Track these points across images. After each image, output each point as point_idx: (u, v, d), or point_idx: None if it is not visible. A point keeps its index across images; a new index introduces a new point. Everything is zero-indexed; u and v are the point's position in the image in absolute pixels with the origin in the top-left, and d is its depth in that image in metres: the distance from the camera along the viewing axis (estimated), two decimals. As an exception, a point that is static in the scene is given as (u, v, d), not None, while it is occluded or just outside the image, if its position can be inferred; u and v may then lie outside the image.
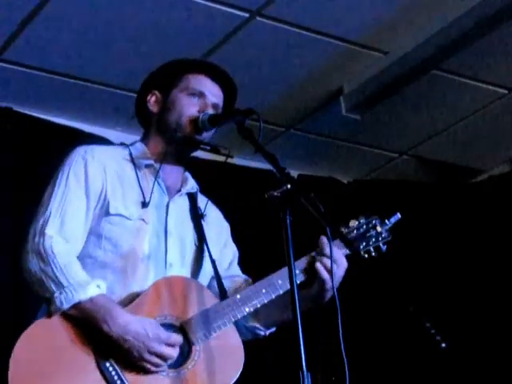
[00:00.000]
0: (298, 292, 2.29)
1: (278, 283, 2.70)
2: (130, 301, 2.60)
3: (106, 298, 2.54)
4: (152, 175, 2.80)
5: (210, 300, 2.69)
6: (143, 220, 2.72)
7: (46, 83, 4.56)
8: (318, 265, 2.71)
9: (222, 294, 2.75)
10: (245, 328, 2.81)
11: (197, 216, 2.88)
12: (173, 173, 2.87)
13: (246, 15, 4.18)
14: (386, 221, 2.92)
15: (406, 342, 4.75)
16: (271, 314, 2.78)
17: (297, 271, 2.65)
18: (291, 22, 4.25)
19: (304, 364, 2.16)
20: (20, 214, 4.28)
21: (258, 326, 2.83)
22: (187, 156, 2.92)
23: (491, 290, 5.36)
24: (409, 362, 5.10)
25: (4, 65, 4.42)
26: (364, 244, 2.85)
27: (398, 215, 2.95)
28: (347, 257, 2.79)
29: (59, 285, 2.51)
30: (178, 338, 2.56)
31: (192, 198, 2.91)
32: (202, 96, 2.86)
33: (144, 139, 2.93)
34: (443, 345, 2.21)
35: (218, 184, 4.53)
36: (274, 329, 2.88)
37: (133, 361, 2.50)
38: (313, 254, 2.77)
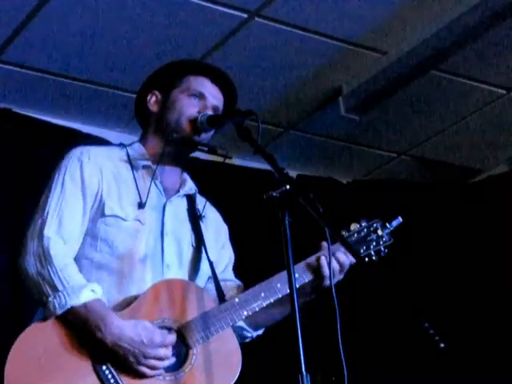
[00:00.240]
0: (297, 294, 2.27)
1: (277, 287, 2.70)
2: (127, 303, 2.60)
3: (101, 304, 2.53)
4: (149, 176, 2.80)
5: (209, 303, 2.68)
6: (139, 221, 2.72)
7: (45, 84, 4.56)
8: (323, 259, 2.73)
9: (220, 296, 2.74)
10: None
11: (195, 217, 2.87)
12: (171, 174, 2.87)
13: (245, 16, 4.18)
14: (388, 224, 2.93)
15: (405, 342, 4.75)
16: (260, 315, 2.75)
17: (296, 275, 2.66)
18: (290, 23, 4.25)
19: (303, 365, 2.15)
20: (20, 214, 4.29)
21: (245, 326, 2.82)
22: (185, 157, 2.92)
23: (491, 290, 5.36)
24: (408, 362, 5.11)
25: (3, 66, 4.42)
26: (364, 247, 2.86)
27: (400, 219, 2.94)
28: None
29: (54, 289, 2.51)
30: (171, 338, 2.54)
31: (190, 199, 2.90)
32: (202, 97, 2.87)
33: (142, 140, 2.93)
34: (442, 345, 2.20)
35: (217, 184, 4.54)
36: (261, 331, 2.89)
37: (129, 365, 2.49)
38: (319, 254, 2.78)
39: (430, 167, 5.85)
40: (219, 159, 2.84)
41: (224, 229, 3.02)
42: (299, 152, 5.50)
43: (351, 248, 2.75)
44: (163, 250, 2.73)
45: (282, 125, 5.23)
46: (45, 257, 2.55)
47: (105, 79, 4.62)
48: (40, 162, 4.32)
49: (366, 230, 2.89)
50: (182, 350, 2.58)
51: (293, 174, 5.42)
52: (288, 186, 2.36)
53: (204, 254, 2.81)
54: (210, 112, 2.83)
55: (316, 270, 2.76)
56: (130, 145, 2.90)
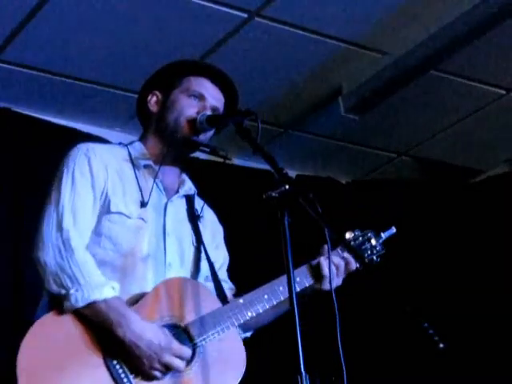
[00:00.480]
0: (297, 295, 2.28)
1: (280, 290, 2.73)
2: (134, 301, 2.60)
3: (121, 301, 2.54)
4: (150, 176, 2.81)
5: (214, 303, 2.70)
6: (142, 219, 2.73)
7: (44, 83, 4.56)
8: (322, 259, 2.78)
9: (221, 296, 2.77)
10: None
11: (194, 217, 2.88)
12: (170, 174, 2.88)
13: (245, 16, 4.18)
14: (382, 234, 2.98)
15: (404, 342, 4.75)
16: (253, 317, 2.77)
17: (298, 278, 2.71)
18: (290, 23, 4.25)
19: (302, 366, 2.16)
20: (20, 214, 4.30)
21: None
22: (185, 157, 2.93)
23: (491, 290, 5.36)
24: (407, 362, 5.11)
25: (3, 65, 4.42)
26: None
27: (393, 229, 3.00)
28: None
29: (75, 282, 2.51)
30: (187, 352, 2.56)
31: (189, 199, 2.91)
32: (202, 98, 2.87)
33: (142, 139, 2.93)
34: (441, 345, 2.20)
35: (217, 184, 4.55)
36: (250, 333, 2.90)
37: (140, 366, 2.50)
38: (320, 258, 2.82)
39: (429, 167, 5.85)
40: (219, 159, 2.85)
41: (220, 230, 3.03)
42: (299, 152, 5.50)
43: (352, 249, 2.78)
44: (165, 248, 2.74)
45: (281, 125, 5.24)
46: (66, 249, 2.55)
47: (105, 78, 4.62)
48: (40, 161, 4.32)
49: (360, 238, 2.94)
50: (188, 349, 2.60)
51: (292, 174, 5.42)
52: (287, 186, 2.37)
53: (203, 254, 2.83)
54: (209, 113, 2.83)
55: (316, 273, 2.80)
56: (130, 144, 2.90)
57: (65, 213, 2.61)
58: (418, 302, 2.27)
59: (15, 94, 4.61)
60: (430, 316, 2.22)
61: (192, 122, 2.81)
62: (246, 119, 2.64)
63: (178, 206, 2.87)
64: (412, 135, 5.44)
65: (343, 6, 4.15)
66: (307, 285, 2.80)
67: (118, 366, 2.49)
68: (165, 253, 2.73)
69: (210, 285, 2.81)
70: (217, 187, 4.47)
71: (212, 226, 2.98)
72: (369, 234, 2.95)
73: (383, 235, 2.98)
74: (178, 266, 2.76)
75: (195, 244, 2.85)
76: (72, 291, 2.50)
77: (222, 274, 2.95)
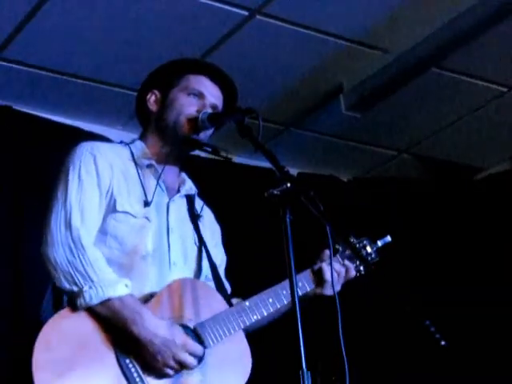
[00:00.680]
0: (298, 295, 2.29)
1: (283, 293, 2.76)
2: (144, 300, 2.60)
3: (134, 299, 2.55)
4: (152, 175, 2.81)
5: (222, 305, 2.72)
6: (147, 218, 2.73)
7: (45, 82, 4.56)
8: (324, 265, 2.82)
9: (224, 296, 2.77)
10: None
11: (195, 217, 2.89)
12: (171, 173, 2.88)
13: (246, 13, 4.18)
14: (378, 242, 3.03)
15: (406, 340, 4.74)
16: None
17: (300, 284, 2.75)
18: (291, 21, 4.25)
19: (304, 363, 2.16)
20: (20, 214, 4.29)
21: None
22: (185, 156, 2.93)
23: (492, 288, 5.36)
24: (409, 361, 5.10)
25: (4, 63, 4.41)
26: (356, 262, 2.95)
27: (388, 238, 3.05)
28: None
29: (88, 279, 2.51)
30: (200, 350, 2.58)
31: (190, 199, 2.92)
32: (201, 96, 2.87)
33: (142, 138, 2.93)
34: (443, 343, 2.20)
35: (218, 182, 4.54)
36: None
37: (154, 364, 2.51)
38: (321, 263, 2.86)
39: (431, 165, 5.84)
40: (220, 157, 2.84)
41: (217, 229, 3.04)
42: (300, 150, 5.50)
43: (354, 248, 2.79)
44: (169, 247, 2.74)
45: (282, 122, 5.23)
46: (76, 247, 2.54)
47: (105, 77, 4.61)
48: (40, 160, 4.32)
49: (356, 245, 2.94)
50: None
51: (293, 171, 5.41)
52: (289, 184, 2.36)
53: (204, 254, 2.84)
54: (208, 111, 2.82)
55: (318, 278, 2.84)
56: (131, 143, 2.90)
57: (73, 211, 2.61)
58: (418, 300, 2.26)
59: (16, 93, 4.61)
60: (431, 314, 2.21)
61: (192, 120, 2.80)
62: (247, 117, 2.64)
63: (180, 206, 2.87)
64: (413, 133, 5.44)
65: (344, 4, 4.14)
66: (308, 289, 2.84)
67: (130, 365, 2.50)
68: (169, 251, 2.74)
69: (211, 284, 2.82)
70: (218, 185, 4.47)
71: (211, 226, 2.99)
72: (364, 242, 3.00)
73: (379, 243, 3.03)
74: (182, 265, 2.77)
75: (197, 243, 2.85)
76: (86, 288, 2.50)
77: (220, 274, 2.95)
